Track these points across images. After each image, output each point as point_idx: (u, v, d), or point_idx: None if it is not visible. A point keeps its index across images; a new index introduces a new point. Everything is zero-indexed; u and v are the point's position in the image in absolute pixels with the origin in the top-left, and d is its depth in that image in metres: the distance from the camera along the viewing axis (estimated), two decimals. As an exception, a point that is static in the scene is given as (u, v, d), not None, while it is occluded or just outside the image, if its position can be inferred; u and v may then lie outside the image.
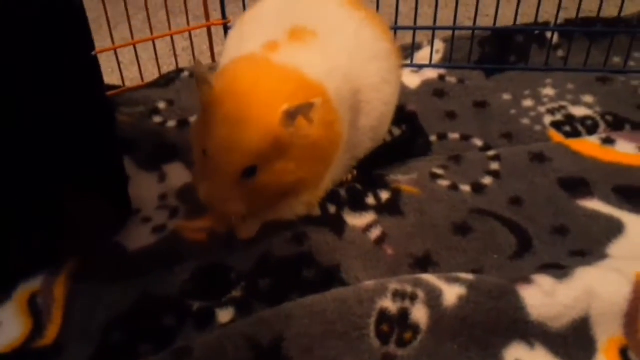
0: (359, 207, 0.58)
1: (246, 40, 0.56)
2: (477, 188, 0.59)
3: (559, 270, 0.48)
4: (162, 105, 0.72)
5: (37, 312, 0.49)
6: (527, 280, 0.46)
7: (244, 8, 0.76)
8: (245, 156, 0.48)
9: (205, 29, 0.80)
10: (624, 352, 0.45)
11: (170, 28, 0.76)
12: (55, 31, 0.46)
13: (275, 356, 0.44)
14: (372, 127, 0.60)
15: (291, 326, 0.45)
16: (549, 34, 0.79)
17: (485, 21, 0.85)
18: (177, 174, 0.63)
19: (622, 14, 0.76)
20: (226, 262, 0.53)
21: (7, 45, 0.44)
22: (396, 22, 0.77)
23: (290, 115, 0.48)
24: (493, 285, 0.46)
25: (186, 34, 0.80)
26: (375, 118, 0.60)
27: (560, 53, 0.79)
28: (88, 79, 0.51)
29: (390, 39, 0.61)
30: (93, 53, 0.50)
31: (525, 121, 0.69)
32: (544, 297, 0.45)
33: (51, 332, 0.48)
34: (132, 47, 0.74)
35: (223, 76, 0.51)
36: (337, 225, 0.56)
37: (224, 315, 0.49)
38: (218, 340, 0.44)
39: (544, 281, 0.46)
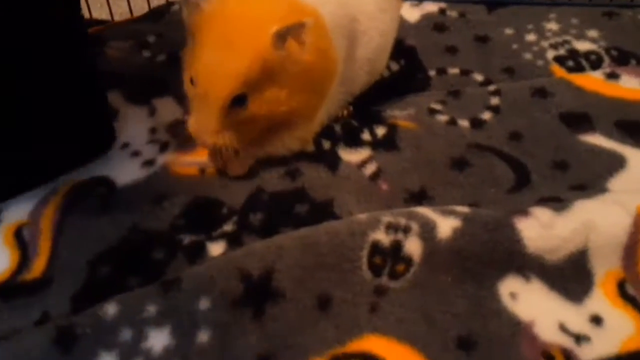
0: (354, 142, 0.56)
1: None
2: (476, 123, 0.58)
3: (558, 202, 0.47)
4: (151, 39, 0.69)
5: (23, 244, 0.48)
6: (524, 212, 0.45)
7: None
8: (233, 82, 0.46)
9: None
10: (621, 286, 0.44)
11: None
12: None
13: (265, 287, 0.43)
14: (368, 60, 0.58)
15: (282, 257, 0.44)
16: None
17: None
18: (168, 108, 0.61)
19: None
20: (217, 196, 0.52)
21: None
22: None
23: (281, 37, 0.46)
24: (489, 217, 0.45)
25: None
26: (372, 49, 0.58)
27: (567, -15, 0.76)
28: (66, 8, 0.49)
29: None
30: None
31: (528, 56, 0.67)
32: (541, 229, 0.44)
33: (38, 265, 0.47)
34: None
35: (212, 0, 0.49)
36: (332, 161, 0.54)
37: (215, 248, 0.48)
38: (207, 271, 0.43)
39: (541, 213, 0.45)
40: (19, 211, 0.50)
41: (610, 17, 0.71)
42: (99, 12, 0.77)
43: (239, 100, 0.47)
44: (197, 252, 0.48)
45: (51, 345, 0.41)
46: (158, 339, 0.41)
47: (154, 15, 0.73)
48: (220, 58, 0.46)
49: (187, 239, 0.49)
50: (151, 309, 0.42)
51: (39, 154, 0.51)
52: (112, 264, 0.47)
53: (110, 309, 0.42)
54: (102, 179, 0.54)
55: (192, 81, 0.48)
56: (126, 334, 0.41)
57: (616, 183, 0.51)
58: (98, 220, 0.50)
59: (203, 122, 0.47)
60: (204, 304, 0.42)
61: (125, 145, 0.57)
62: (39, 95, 0.49)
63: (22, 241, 0.49)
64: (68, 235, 0.49)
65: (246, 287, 0.43)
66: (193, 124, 0.48)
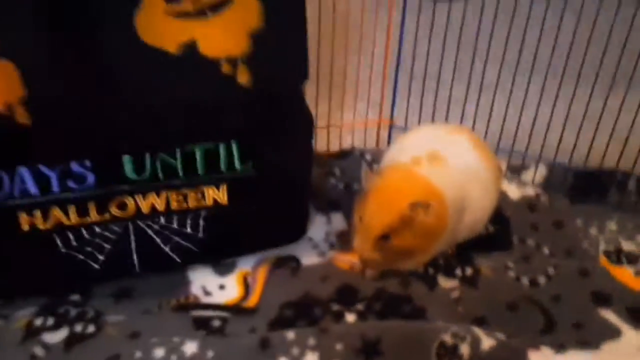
0: (449, 274, 0.88)
1: (400, 153, 0.89)
2: (533, 283, 0.87)
3: (561, 347, 0.75)
4: (337, 171, 1.07)
5: (246, 285, 0.85)
6: (536, 347, 0.75)
7: (406, 114, 1.09)
8: (383, 227, 0.81)
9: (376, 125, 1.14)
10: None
11: (354, 118, 1.11)
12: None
13: (374, 347, 0.75)
14: (471, 222, 0.90)
15: (387, 333, 0.76)
16: (630, 182, 1.04)
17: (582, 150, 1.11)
18: (338, 221, 0.97)
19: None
20: (357, 286, 0.86)
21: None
22: (513, 146, 1.06)
23: (414, 207, 0.80)
24: (513, 344, 0.75)
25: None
26: (474, 218, 0.90)
27: (634, 198, 1.04)
28: (304, 153, 0.87)
29: (496, 168, 0.91)
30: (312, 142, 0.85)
31: (585, 245, 0.95)
32: (543, 361, 0.74)
33: (253, 300, 0.83)
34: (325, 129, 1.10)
35: (380, 175, 0.84)
36: (431, 282, 0.87)
37: (350, 317, 0.81)
38: (345, 328, 0.77)
39: (547, 351, 0.74)
40: (246, 265, 0.88)
41: (659, 229, 0.98)
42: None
43: (385, 237, 0.81)
44: (339, 316, 0.81)
45: (256, 346, 0.75)
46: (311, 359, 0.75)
47: (342, 154, 1.11)
48: (378, 210, 0.81)
49: (335, 307, 0.83)
50: (311, 341, 0.76)
51: (265, 233, 0.89)
52: (292, 311, 0.82)
53: (290, 334, 0.76)
54: (294, 257, 0.90)
55: (360, 218, 0.83)
56: (295, 351, 0.75)
57: (607, 346, 0.78)
58: (288, 282, 0.86)
59: (363, 245, 0.82)
60: (339, 346, 0.75)
61: (310, 239, 0.94)
62: (278, 201, 0.87)
63: (246, 283, 0.86)
64: (271, 286, 0.85)
65: (363, 344, 0.76)
66: (357, 244, 0.83)
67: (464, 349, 0.75)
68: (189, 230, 0.83)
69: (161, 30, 0.70)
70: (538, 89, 1.02)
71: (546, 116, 1.03)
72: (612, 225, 0.99)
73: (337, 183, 1.04)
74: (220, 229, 0.84)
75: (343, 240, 0.93)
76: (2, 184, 0.73)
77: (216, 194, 0.81)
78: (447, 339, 0.75)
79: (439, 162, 0.86)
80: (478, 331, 0.76)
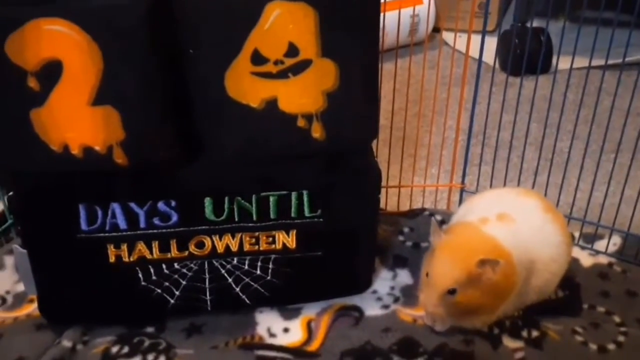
0: (515, 335, 0.87)
1: (469, 212, 0.91)
2: (602, 349, 0.85)
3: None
4: (406, 229, 1.09)
5: (310, 331, 0.88)
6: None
7: (478, 178, 1.11)
8: (450, 281, 0.82)
9: (447, 188, 1.17)
10: None
11: (425, 181, 1.14)
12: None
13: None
14: (539, 286, 0.89)
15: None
16: None
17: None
18: (405, 276, 0.99)
19: None
20: (419, 339, 0.86)
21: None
22: (585, 216, 1.05)
23: (482, 264, 0.81)
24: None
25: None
26: (542, 282, 0.89)
27: None
28: (370, 206, 0.91)
29: (566, 234, 0.91)
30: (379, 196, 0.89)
31: (658, 313, 0.92)
32: None
33: (315, 345, 0.86)
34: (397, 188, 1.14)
35: (449, 232, 0.87)
36: (495, 342, 0.86)
37: (410, 370, 0.82)
38: (403, 379, 0.78)
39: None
40: (311, 311, 0.91)
41: None
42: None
43: (451, 292, 0.82)
44: (400, 368, 0.83)
45: (314, 387, 0.78)
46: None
47: (412, 213, 1.13)
48: (446, 265, 0.83)
49: (395, 358, 0.84)
50: (367, 387, 0.77)
51: (331, 282, 0.92)
52: (352, 357, 0.84)
53: (349, 379, 0.78)
54: (357, 307, 0.92)
55: (427, 274, 0.85)
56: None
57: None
58: (350, 330, 0.88)
59: (429, 299, 0.83)
60: (397, 395, 0.76)
61: (374, 292, 0.96)
62: (343, 251, 0.90)
63: (310, 328, 0.88)
64: (333, 333, 0.87)
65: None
66: (423, 299, 0.84)
67: (524, 408, 0.74)
68: (258, 272, 0.87)
69: (247, 87, 0.77)
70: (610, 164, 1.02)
71: (618, 192, 1.03)
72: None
73: (406, 241, 1.07)
74: (287, 273, 0.88)
75: (408, 296, 0.95)
76: (96, 218, 0.81)
77: (286, 239, 0.86)
78: (506, 396, 0.75)
79: (508, 222, 0.87)
80: (540, 391, 0.75)
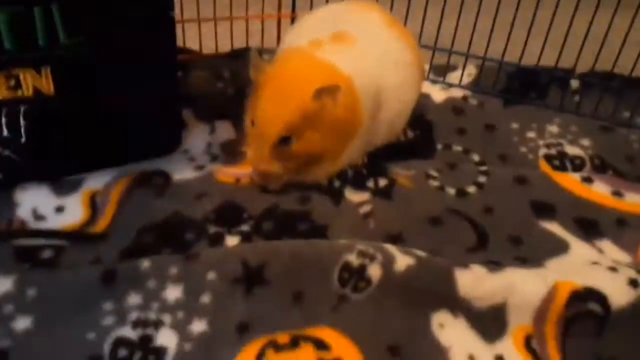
0: (359, 187, 0.71)
1: (298, 36, 0.70)
2: (460, 193, 0.71)
3: (495, 265, 0.60)
4: (226, 73, 0.87)
5: (94, 207, 0.65)
6: (465, 266, 0.58)
7: (311, 7, 0.89)
8: (282, 126, 0.62)
9: (275, 19, 0.94)
10: (528, 339, 0.56)
11: (247, 12, 0.91)
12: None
13: (258, 274, 0.57)
14: (388, 122, 0.73)
15: (276, 257, 0.58)
16: (572, 80, 0.89)
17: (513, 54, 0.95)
18: (224, 130, 0.78)
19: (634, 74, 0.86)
20: (243, 204, 0.67)
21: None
22: (435, 44, 0.88)
23: (319, 95, 0.61)
24: (437, 263, 0.58)
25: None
26: (392, 114, 0.73)
27: (577, 98, 0.89)
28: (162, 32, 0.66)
29: (416, 54, 0.73)
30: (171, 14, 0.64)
31: (523, 149, 0.80)
32: (473, 281, 0.57)
33: (102, 224, 0.63)
34: (212, 22, 0.89)
35: (274, 63, 0.65)
36: (337, 197, 0.69)
37: (231, 241, 0.63)
38: (220, 254, 0.58)
39: (477, 270, 0.58)
40: (96, 182, 0.67)
41: (605, 131, 0.84)
42: (193, 43, 0.95)
43: (285, 140, 0.63)
44: (217, 240, 0.63)
45: (97, 280, 0.56)
46: (173, 293, 0.56)
47: (234, 55, 0.91)
48: (274, 108, 0.63)
49: (212, 229, 0.64)
50: (173, 270, 0.57)
51: (121, 143, 0.68)
52: (154, 235, 0.63)
53: (145, 263, 0.57)
54: (162, 172, 0.70)
55: (252, 123, 0.64)
56: (151, 284, 0.56)
57: (553, 263, 0.63)
58: (151, 202, 0.66)
59: (258, 154, 0.63)
60: (211, 275, 0.57)
61: (186, 152, 0.74)
62: (131, 100, 0.66)
63: (94, 204, 0.65)
64: (128, 207, 0.65)
65: (244, 271, 0.57)
66: (251, 155, 0.64)
67: (374, 271, 0.58)
68: (5, 133, 0.61)
69: None
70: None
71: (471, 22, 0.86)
72: (553, 128, 0.84)
73: (227, 87, 0.84)
74: (49, 131, 0.63)
75: (230, 152, 0.74)
76: None
77: (37, 81, 0.60)
78: (352, 259, 0.58)
79: (346, 43, 0.68)
80: (392, 249, 0.59)
